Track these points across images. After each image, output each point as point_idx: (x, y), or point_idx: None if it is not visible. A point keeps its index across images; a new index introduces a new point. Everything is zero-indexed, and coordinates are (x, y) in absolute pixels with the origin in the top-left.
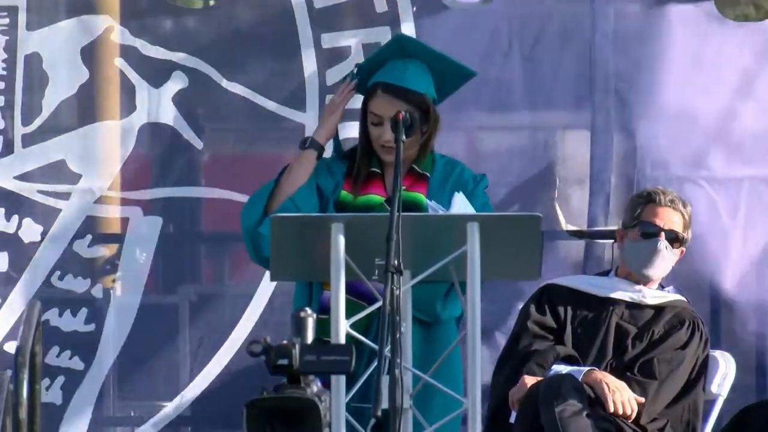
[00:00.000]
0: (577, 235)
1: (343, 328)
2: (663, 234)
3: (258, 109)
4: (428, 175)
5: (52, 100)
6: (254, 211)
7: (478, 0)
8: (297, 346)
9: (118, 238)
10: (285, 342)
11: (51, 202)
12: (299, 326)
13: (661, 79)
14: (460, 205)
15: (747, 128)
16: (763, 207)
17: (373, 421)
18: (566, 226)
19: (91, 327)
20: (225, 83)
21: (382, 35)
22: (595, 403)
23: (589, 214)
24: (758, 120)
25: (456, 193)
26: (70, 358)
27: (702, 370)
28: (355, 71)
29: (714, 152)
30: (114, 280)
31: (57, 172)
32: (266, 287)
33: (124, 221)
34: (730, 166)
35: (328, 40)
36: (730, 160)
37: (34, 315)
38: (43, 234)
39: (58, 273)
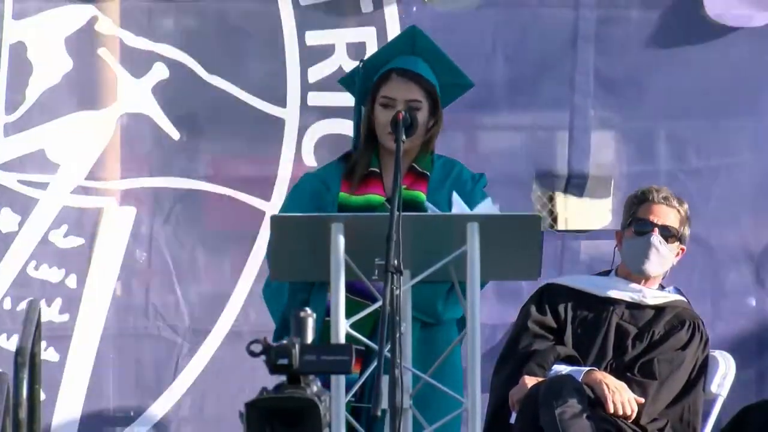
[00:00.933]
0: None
1: (342, 328)
2: (656, 230)
3: (238, 102)
4: (428, 174)
5: (35, 89)
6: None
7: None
8: (297, 346)
9: (93, 229)
10: (285, 342)
11: (29, 191)
12: (299, 326)
13: (643, 81)
14: (458, 205)
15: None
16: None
17: None
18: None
19: (66, 317)
20: (206, 76)
21: (367, 35)
22: (595, 403)
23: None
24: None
25: (453, 193)
26: (45, 350)
27: (702, 371)
28: (360, 67)
29: (694, 149)
30: (88, 271)
31: (36, 161)
32: (245, 285)
33: (100, 211)
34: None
35: (312, 38)
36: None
37: (33, 315)
38: (21, 224)
39: (33, 263)
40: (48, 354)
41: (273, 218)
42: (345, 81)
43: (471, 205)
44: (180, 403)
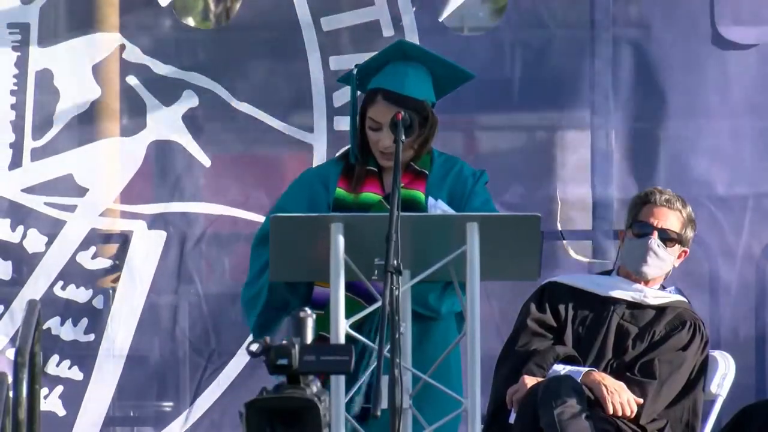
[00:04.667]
0: None
1: (342, 328)
2: (656, 233)
3: (267, 128)
4: (426, 172)
5: (62, 115)
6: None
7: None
8: (296, 346)
9: (122, 251)
10: (285, 342)
11: (56, 213)
12: (299, 326)
13: (664, 103)
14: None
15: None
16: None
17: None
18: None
19: (91, 337)
20: (235, 103)
21: None
22: (595, 404)
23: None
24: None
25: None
26: (69, 368)
27: (702, 371)
28: (354, 72)
29: (717, 171)
30: (116, 292)
31: (64, 185)
32: None
33: (128, 234)
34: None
35: (336, 63)
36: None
37: (33, 315)
38: (48, 244)
39: (60, 283)
40: (72, 372)
41: (273, 218)
42: (344, 79)
43: (472, 202)
44: (199, 423)
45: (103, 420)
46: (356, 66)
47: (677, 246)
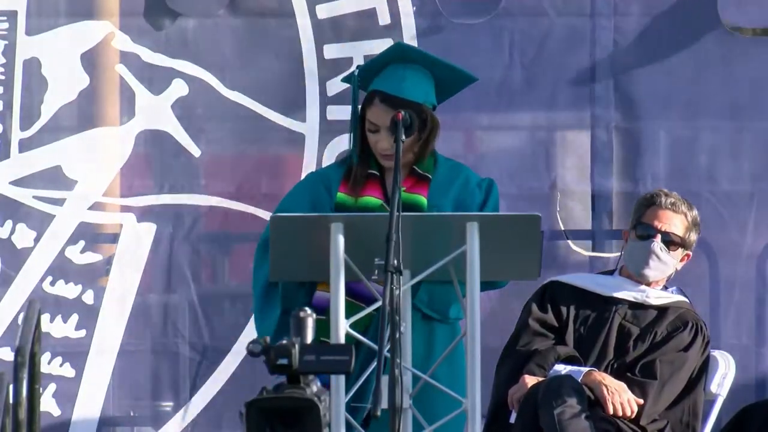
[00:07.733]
0: None
1: (342, 328)
2: (659, 236)
3: (258, 118)
4: (429, 176)
5: (51, 105)
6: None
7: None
8: (296, 346)
9: (111, 245)
10: (285, 342)
11: (45, 207)
12: (299, 326)
13: (664, 92)
14: None
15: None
16: None
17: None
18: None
19: (82, 333)
20: (225, 91)
21: (385, 47)
22: (595, 403)
23: (593, 225)
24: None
25: None
26: (61, 365)
27: (702, 372)
28: (355, 73)
29: (720, 166)
30: (106, 287)
31: (52, 177)
32: None
33: (118, 228)
34: (737, 180)
35: (330, 51)
36: (737, 174)
37: (33, 315)
38: (36, 239)
39: (50, 278)
40: (64, 369)
41: (273, 218)
42: (346, 79)
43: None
44: (197, 421)
45: (103, 420)
46: (357, 67)
47: (680, 250)
